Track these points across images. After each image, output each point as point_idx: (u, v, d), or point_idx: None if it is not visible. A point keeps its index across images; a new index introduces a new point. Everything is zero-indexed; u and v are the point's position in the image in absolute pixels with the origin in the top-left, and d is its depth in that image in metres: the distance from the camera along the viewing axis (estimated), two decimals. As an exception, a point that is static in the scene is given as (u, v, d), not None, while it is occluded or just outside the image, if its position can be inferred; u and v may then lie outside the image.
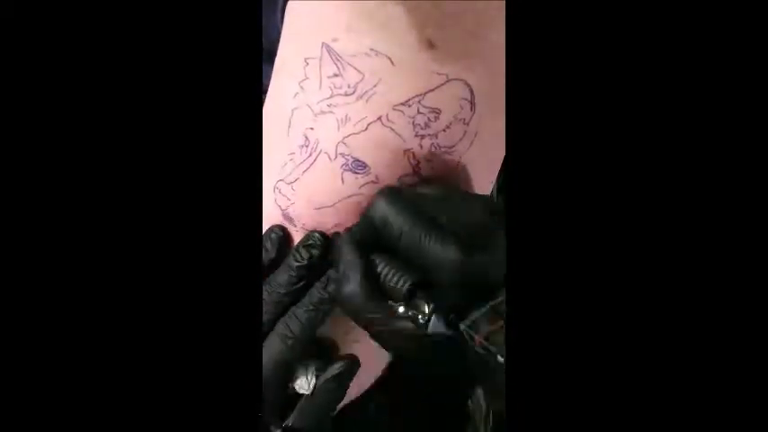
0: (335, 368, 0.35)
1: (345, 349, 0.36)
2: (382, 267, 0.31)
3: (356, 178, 0.32)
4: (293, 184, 0.33)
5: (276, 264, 0.34)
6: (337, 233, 0.33)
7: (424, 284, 0.30)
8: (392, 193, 0.31)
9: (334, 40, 0.31)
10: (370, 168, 0.32)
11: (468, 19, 0.31)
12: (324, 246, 0.33)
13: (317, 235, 0.33)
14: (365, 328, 0.31)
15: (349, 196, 0.32)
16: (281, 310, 0.34)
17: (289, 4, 0.33)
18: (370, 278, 0.31)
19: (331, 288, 0.33)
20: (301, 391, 0.35)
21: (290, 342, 0.34)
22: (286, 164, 0.33)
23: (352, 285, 0.30)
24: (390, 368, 0.41)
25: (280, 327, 0.34)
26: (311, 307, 0.34)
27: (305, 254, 0.33)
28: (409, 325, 0.29)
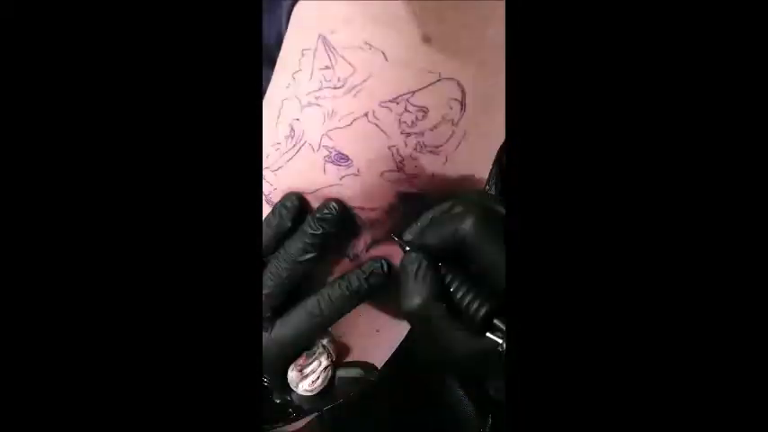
0: (353, 371, 0.35)
1: (356, 342, 0.37)
2: (456, 285, 0.31)
3: (338, 170, 0.33)
4: (276, 172, 0.34)
5: (291, 233, 0.34)
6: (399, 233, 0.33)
7: (500, 311, 0.30)
8: (481, 216, 0.31)
9: (333, 31, 0.32)
10: (352, 162, 0.33)
11: (469, 13, 0.30)
12: (340, 215, 0.33)
13: (333, 204, 0.33)
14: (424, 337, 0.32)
15: (329, 186, 0.33)
16: (293, 281, 0.34)
17: (297, 6, 0.33)
18: (441, 294, 0.31)
19: (373, 280, 0.34)
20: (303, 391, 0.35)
21: (316, 320, 0.34)
22: (272, 153, 0.34)
23: (422, 300, 0.31)
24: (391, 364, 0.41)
25: (309, 303, 0.34)
26: (347, 292, 0.34)
27: (319, 225, 0.33)
28: (482, 347, 0.30)
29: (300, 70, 0.33)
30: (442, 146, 0.32)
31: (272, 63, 0.35)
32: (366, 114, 0.32)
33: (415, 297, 0.31)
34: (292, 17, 0.33)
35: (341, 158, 0.33)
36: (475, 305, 0.30)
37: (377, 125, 0.32)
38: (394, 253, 0.34)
